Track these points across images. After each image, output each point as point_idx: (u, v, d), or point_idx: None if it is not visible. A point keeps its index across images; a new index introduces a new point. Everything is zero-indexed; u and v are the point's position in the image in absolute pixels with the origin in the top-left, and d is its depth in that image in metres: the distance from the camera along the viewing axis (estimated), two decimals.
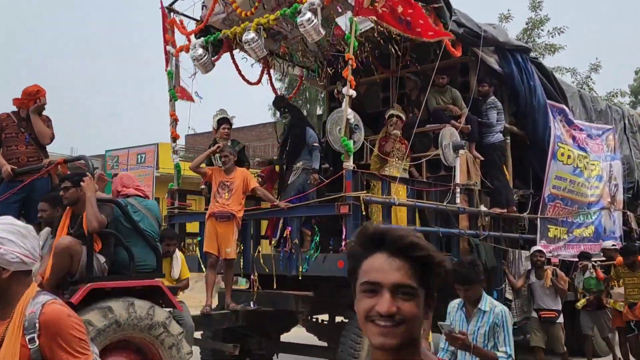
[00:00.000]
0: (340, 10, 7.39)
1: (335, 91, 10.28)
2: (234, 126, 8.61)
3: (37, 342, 2.28)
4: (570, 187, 9.91)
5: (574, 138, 9.98)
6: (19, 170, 6.38)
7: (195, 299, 12.52)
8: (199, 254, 7.90)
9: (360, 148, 8.82)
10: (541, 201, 9.49)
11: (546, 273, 8.61)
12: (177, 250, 6.87)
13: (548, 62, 20.09)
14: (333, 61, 10.37)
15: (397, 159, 8.41)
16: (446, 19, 8.00)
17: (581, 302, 9.37)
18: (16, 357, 2.26)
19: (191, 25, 9.08)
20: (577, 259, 10.03)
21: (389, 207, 7.20)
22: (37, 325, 2.29)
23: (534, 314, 8.79)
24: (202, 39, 8.51)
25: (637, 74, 32.08)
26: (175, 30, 9.10)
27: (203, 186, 8.27)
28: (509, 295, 8.79)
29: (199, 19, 9.01)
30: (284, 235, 7.26)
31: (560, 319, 8.68)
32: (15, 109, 6.71)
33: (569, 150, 9.75)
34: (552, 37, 20.32)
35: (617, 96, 22.52)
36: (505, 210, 8.79)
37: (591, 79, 20.96)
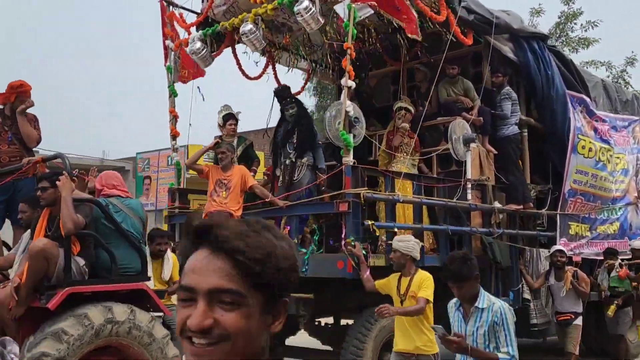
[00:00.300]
0: None
1: (342, 82, 9.92)
2: (245, 129, 8.32)
3: None
4: (593, 182, 9.39)
5: (595, 130, 9.46)
6: (1, 171, 6.12)
7: None
8: None
9: (369, 143, 8.48)
10: (561, 197, 8.99)
11: (566, 275, 8.11)
12: (169, 250, 6.56)
13: (582, 56, 19.62)
14: (341, 53, 10.03)
15: (405, 154, 8.02)
16: (454, 4, 7.56)
17: (612, 309, 8.85)
18: None
19: (192, 19, 8.80)
20: (599, 257, 9.54)
21: (393, 204, 6.80)
22: None
23: (553, 319, 8.31)
24: (200, 32, 8.20)
25: None
26: (176, 24, 8.84)
27: None
28: (526, 295, 8.33)
29: (199, 12, 8.72)
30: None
31: (578, 321, 8.16)
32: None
33: (590, 142, 9.24)
34: (586, 30, 19.76)
35: None
36: (521, 207, 8.33)
37: (627, 73, 20.27)
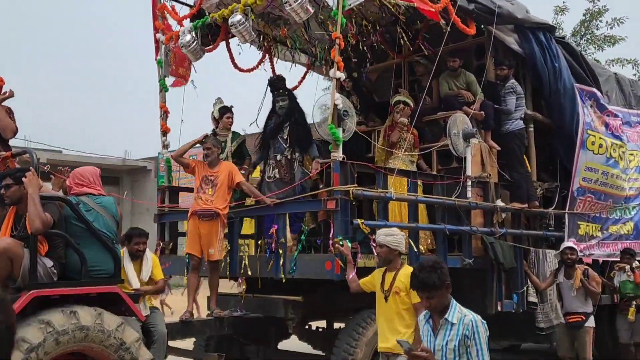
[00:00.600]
0: None
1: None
2: (242, 128, 8.06)
3: None
4: (603, 179, 8.96)
5: (607, 125, 9.03)
6: None
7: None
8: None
9: (368, 140, 8.16)
10: (569, 195, 8.59)
11: (576, 273, 7.73)
12: (148, 250, 6.28)
13: (608, 54, 19.25)
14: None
15: (403, 150, 7.68)
16: None
17: (631, 312, 8.44)
18: None
19: (185, 12, 8.53)
20: (611, 259, 9.12)
21: (386, 202, 6.46)
22: None
23: (562, 320, 7.91)
24: (190, 24, 7.92)
25: None
26: (169, 17, 8.58)
27: None
28: (532, 298, 7.94)
29: (192, 4, 8.45)
30: (270, 233, 6.58)
31: (590, 323, 7.77)
32: None
33: (600, 138, 8.81)
34: (611, 28, 19.32)
35: None
36: (525, 206, 7.95)
37: None
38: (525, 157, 8.35)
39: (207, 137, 7.00)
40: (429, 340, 3.75)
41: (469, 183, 7.26)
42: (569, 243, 7.95)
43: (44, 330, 4.50)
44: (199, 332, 6.61)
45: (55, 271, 4.93)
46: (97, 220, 5.17)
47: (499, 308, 7.50)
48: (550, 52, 8.39)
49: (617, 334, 8.92)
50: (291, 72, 9.94)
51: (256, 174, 8.57)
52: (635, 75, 18.90)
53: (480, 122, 7.84)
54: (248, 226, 8.17)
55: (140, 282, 6.10)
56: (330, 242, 6.00)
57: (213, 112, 8.29)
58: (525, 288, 7.90)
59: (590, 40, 19.70)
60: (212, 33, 8.48)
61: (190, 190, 8.03)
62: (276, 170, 7.21)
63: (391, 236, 5.26)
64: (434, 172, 7.68)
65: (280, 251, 6.46)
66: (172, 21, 8.56)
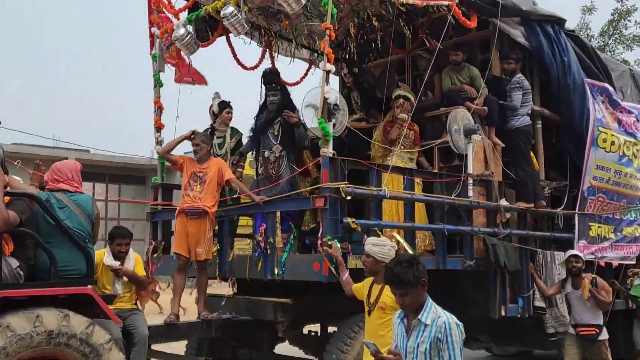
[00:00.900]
0: None
1: (342, 73, 9.34)
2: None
3: None
4: (616, 179, 8.57)
5: (619, 122, 8.62)
6: None
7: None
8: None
9: (369, 136, 7.87)
10: (579, 195, 8.21)
11: (584, 282, 7.31)
12: (131, 250, 6.05)
13: (637, 53, 19.08)
14: (342, 42, 9.44)
15: (403, 147, 7.38)
16: None
17: None
18: None
19: (181, 5, 8.29)
20: (626, 262, 8.72)
21: (379, 200, 6.16)
22: None
23: (571, 330, 7.51)
24: (184, 17, 7.69)
25: None
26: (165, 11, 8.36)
27: None
28: (539, 302, 7.58)
29: None
30: (259, 232, 6.31)
31: (604, 335, 7.35)
32: None
33: (612, 135, 8.41)
34: None
35: None
36: (531, 205, 7.58)
37: None
38: (532, 154, 8.00)
39: (196, 133, 6.75)
40: (401, 341, 3.47)
41: (470, 181, 6.94)
42: (573, 251, 7.55)
43: (4, 334, 4.28)
44: (185, 335, 6.37)
45: (21, 272, 4.71)
46: (70, 218, 4.96)
47: (503, 312, 7.16)
48: (559, 45, 8.03)
49: (633, 341, 8.53)
50: (294, 68, 9.73)
51: (247, 171, 8.34)
52: None
53: (483, 118, 7.51)
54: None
55: (123, 284, 5.88)
56: (319, 242, 5.71)
57: (212, 106, 8.07)
58: (531, 292, 7.55)
59: (618, 40, 19.47)
60: (210, 27, 8.28)
61: None
62: (264, 167, 6.95)
63: (378, 247, 4.94)
64: (435, 170, 7.36)
65: (269, 251, 6.18)
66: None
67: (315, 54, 9.63)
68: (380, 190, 6.08)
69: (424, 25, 8.49)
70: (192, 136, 6.77)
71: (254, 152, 7.40)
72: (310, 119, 5.91)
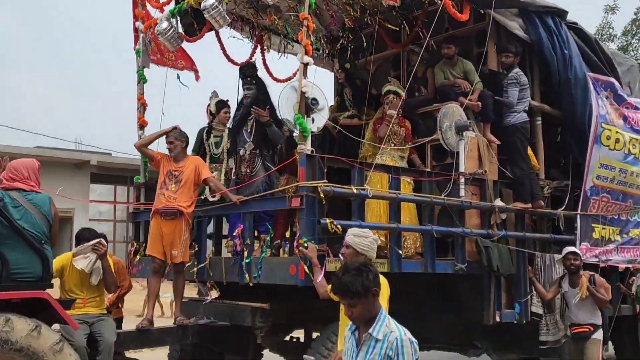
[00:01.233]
0: None
1: (335, 69, 9.04)
2: None
3: None
4: (621, 178, 8.17)
5: (625, 118, 8.23)
6: None
7: None
8: None
9: (360, 135, 7.58)
10: (581, 194, 7.83)
11: (581, 280, 6.96)
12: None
13: None
14: (337, 37, 9.13)
15: (394, 144, 7.05)
16: None
17: None
18: None
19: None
20: (632, 265, 8.33)
21: (362, 200, 5.84)
22: None
23: (568, 332, 7.16)
24: (167, 11, 7.43)
25: None
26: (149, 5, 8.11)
27: None
28: (536, 308, 7.22)
29: None
30: (234, 234, 6.02)
31: (598, 335, 6.97)
32: None
33: (617, 132, 8.02)
34: None
35: None
36: (529, 206, 7.22)
37: None
38: (531, 152, 7.64)
39: (175, 129, 6.46)
40: (350, 356, 3.15)
41: (462, 180, 6.59)
42: (570, 248, 7.18)
43: None
44: (158, 342, 6.08)
45: None
46: (24, 218, 4.70)
47: (498, 318, 6.81)
48: (560, 38, 7.67)
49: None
50: (287, 63, 9.43)
51: None
52: None
53: (478, 114, 7.16)
54: None
55: (92, 288, 5.64)
56: (295, 243, 5.41)
57: (209, 105, 7.82)
58: (529, 297, 7.19)
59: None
60: (198, 22, 8.01)
61: None
62: (241, 166, 6.66)
63: (360, 237, 4.64)
64: (428, 169, 7.02)
65: (246, 254, 5.89)
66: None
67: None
68: (362, 190, 5.76)
69: (420, 18, 8.14)
70: (171, 132, 6.49)
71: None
72: (289, 115, 5.60)
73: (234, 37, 8.57)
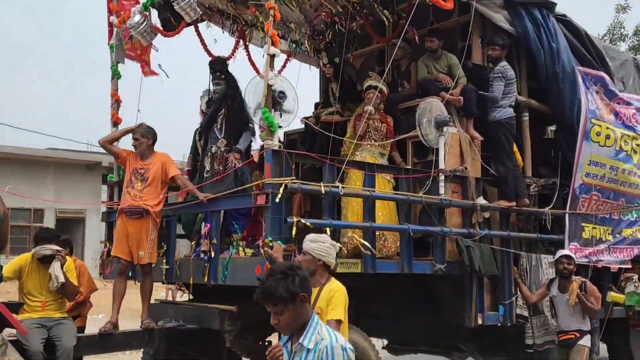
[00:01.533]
0: None
1: (321, 64, 8.80)
2: None
3: None
4: (612, 175, 7.89)
5: (616, 114, 7.95)
6: None
7: None
8: None
9: (343, 131, 7.34)
10: (570, 193, 7.56)
11: (572, 286, 6.67)
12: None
13: None
14: (322, 30, 8.90)
15: (374, 140, 6.81)
16: None
17: None
18: None
19: None
20: (625, 266, 8.05)
21: (333, 197, 5.59)
22: None
23: (556, 338, 6.88)
24: (139, 4, 7.22)
25: None
26: None
27: None
28: (521, 311, 6.96)
29: None
30: (202, 233, 5.80)
31: (585, 342, 6.69)
32: None
33: (607, 128, 7.75)
34: None
35: None
36: (513, 204, 6.96)
37: None
38: (517, 149, 7.38)
39: (141, 126, 6.24)
40: None
41: (442, 177, 6.34)
42: (565, 251, 6.91)
43: None
44: (122, 346, 5.84)
45: None
46: None
47: (480, 321, 6.56)
48: (547, 30, 7.40)
49: (632, 355, 7.86)
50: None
51: None
52: None
53: (460, 110, 6.91)
54: None
55: (50, 292, 5.42)
56: (261, 242, 5.18)
57: (201, 105, 7.64)
58: (514, 298, 6.93)
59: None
60: (175, 17, 7.79)
61: None
62: (214, 164, 6.43)
63: (316, 243, 4.42)
64: (409, 166, 6.77)
65: (213, 254, 5.66)
66: None
67: (294, 45, 9.10)
68: (334, 187, 5.51)
69: (405, 10, 7.90)
70: (137, 129, 6.27)
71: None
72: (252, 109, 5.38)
73: (210, 27, 8.35)
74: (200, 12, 6.68)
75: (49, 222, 25.28)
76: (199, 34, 8.26)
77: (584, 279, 6.91)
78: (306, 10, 8.54)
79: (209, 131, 6.59)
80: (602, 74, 7.92)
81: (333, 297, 4.29)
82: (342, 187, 5.55)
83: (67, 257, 5.63)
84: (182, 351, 6.63)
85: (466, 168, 6.54)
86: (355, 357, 2.87)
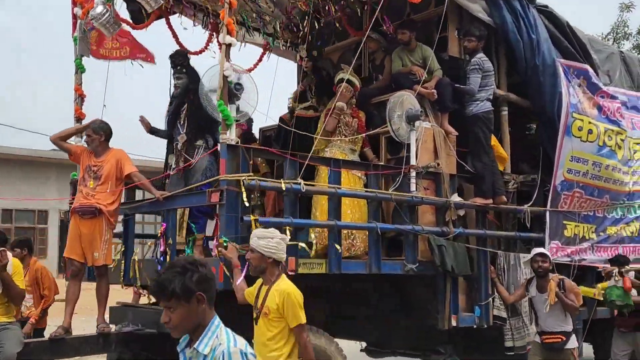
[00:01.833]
0: None
1: (298, 58, 8.54)
2: None
3: None
4: (595, 172, 7.62)
5: (600, 108, 7.68)
6: None
7: None
8: None
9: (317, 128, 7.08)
10: (551, 189, 7.30)
11: (550, 285, 6.40)
12: (9, 255, 5.30)
13: None
14: (298, 23, 8.63)
15: (345, 136, 6.56)
16: None
17: None
18: None
19: None
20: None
21: (295, 195, 5.32)
22: None
23: (537, 338, 6.61)
24: None
25: None
26: None
27: None
28: (499, 311, 6.69)
29: None
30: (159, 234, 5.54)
31: (572, 344, 6.43)
32: None
33: (590, 123, 7.47)
34: None
35: None
36: (489, 201, 6.69)
37: None
38: (498, 143, 7.12)
39: (94, 121, 5.97)
40: None
41: (413, 174, 6.08)
42: (539, 249, 6.63)
43: None
44: (75, 351, 5.55)
45: None
46: None
47: (454, 322, 6.29)
48: (527, 21, 7.14)
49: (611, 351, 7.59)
50: (247, 54, 8.94)
51: None
52: None
53: (435, 103, 6.64)
54: None
55: None
56: (215, 242, 4.92)
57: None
58: (491, 299, 6.67)
59: None
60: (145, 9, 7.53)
61: None
62: (178, 160, 6.17)
63: (265, 239, 4.17)
64: (381, 162, 6.51)
65: (169, 255, 5.40)
66: None
67: (271, 38, 8.83)
68: (295, 184, 5.25)
69: (381, 2, 7.63)
70: (90, 124, 6.00)
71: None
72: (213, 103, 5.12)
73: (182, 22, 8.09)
74: (162, 2, 6.40)
75: (53, 223, 25.10)
76: (170, 26, 8.00)
77: (561, 277, 6.64)
78: (281, 1, 8.31)
79: (174, 127, 6.32)
80: (585, 66, 7.66)
81: (284, 301, 4.04)
82: (305, 184, 5.27)
83: (14, 259, 5.36)
84: (149, 357, 6.39)
85: (439, 164, 6.27)
86: None
